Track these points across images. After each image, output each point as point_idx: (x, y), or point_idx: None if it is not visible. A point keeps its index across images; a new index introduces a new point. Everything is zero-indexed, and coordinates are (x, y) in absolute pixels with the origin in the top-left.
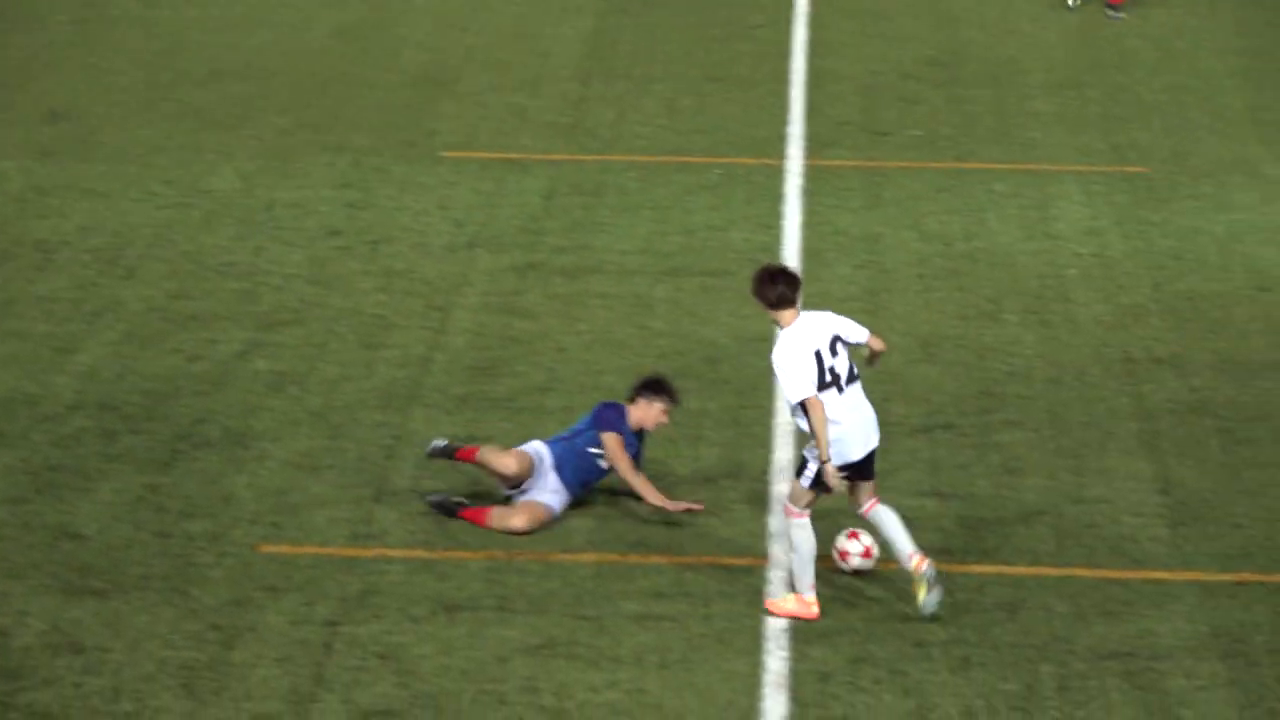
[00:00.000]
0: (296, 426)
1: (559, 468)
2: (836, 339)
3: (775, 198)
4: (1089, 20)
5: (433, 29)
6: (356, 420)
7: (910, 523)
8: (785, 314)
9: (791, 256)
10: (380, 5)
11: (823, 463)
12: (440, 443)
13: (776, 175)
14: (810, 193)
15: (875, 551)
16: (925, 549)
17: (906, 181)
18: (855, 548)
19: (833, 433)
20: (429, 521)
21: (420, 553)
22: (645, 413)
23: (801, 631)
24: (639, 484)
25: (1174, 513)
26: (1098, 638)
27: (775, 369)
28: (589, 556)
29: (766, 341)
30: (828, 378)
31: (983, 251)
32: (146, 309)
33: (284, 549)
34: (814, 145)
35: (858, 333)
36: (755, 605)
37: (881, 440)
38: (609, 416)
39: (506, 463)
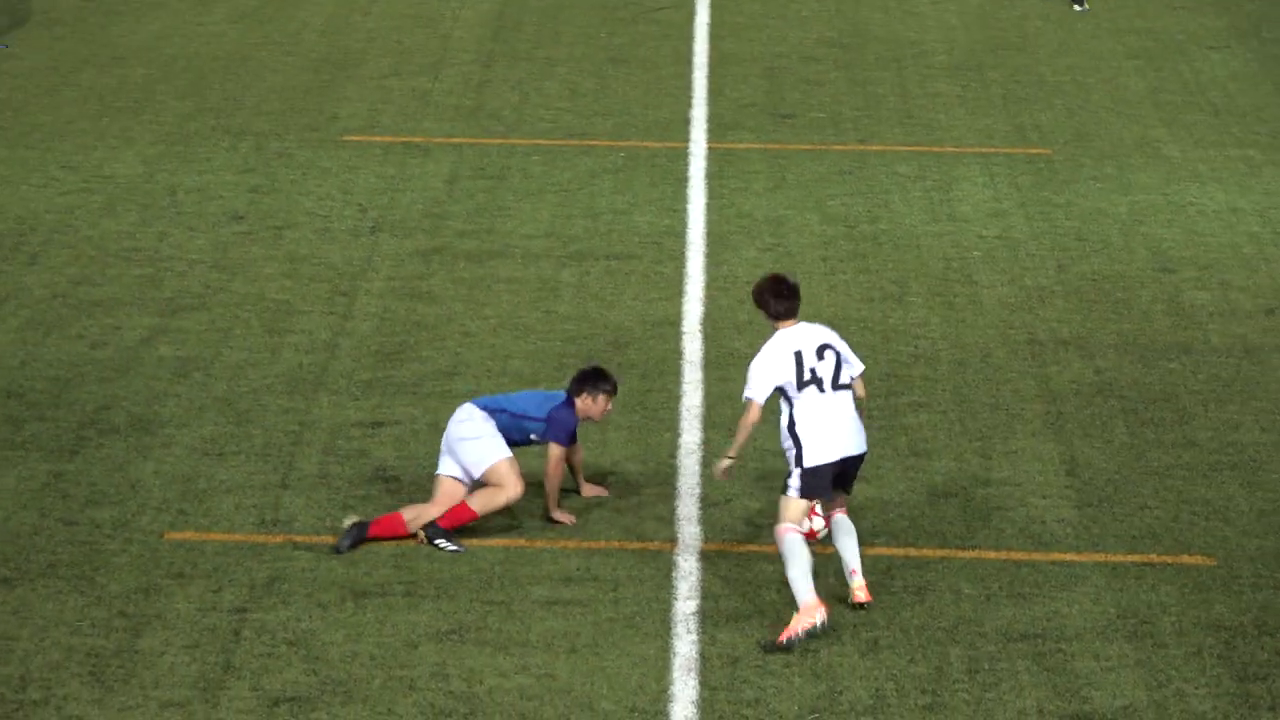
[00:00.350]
0: (202, 413)
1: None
2: (827, 347)
3: (679, 181)
4: (990, 2)
5: (333, 12)
6: (262, 406)
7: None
8: (783, 323)
9: (696, 240)
10: None
11: (729, 458)
12: (349, 524)
13: (680, 158)
14: (714, 176)
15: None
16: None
17: (810, 164)
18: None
19: (809, 432)
20: (337, 507)
21: (328, 539)
22: (590, 406)
23: (711, 615)
24: (552, 499)
25: (1080, 494)
26: (1006, 620)
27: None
28: (497, 542)
29: (673, 325)
30: (807, 376)
31: (887, 234)
32: (50, 295)
33: (191, 536)
34: (717, 128)
35: (853, 364)
36: (664, 589)
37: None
38: (562, 427)
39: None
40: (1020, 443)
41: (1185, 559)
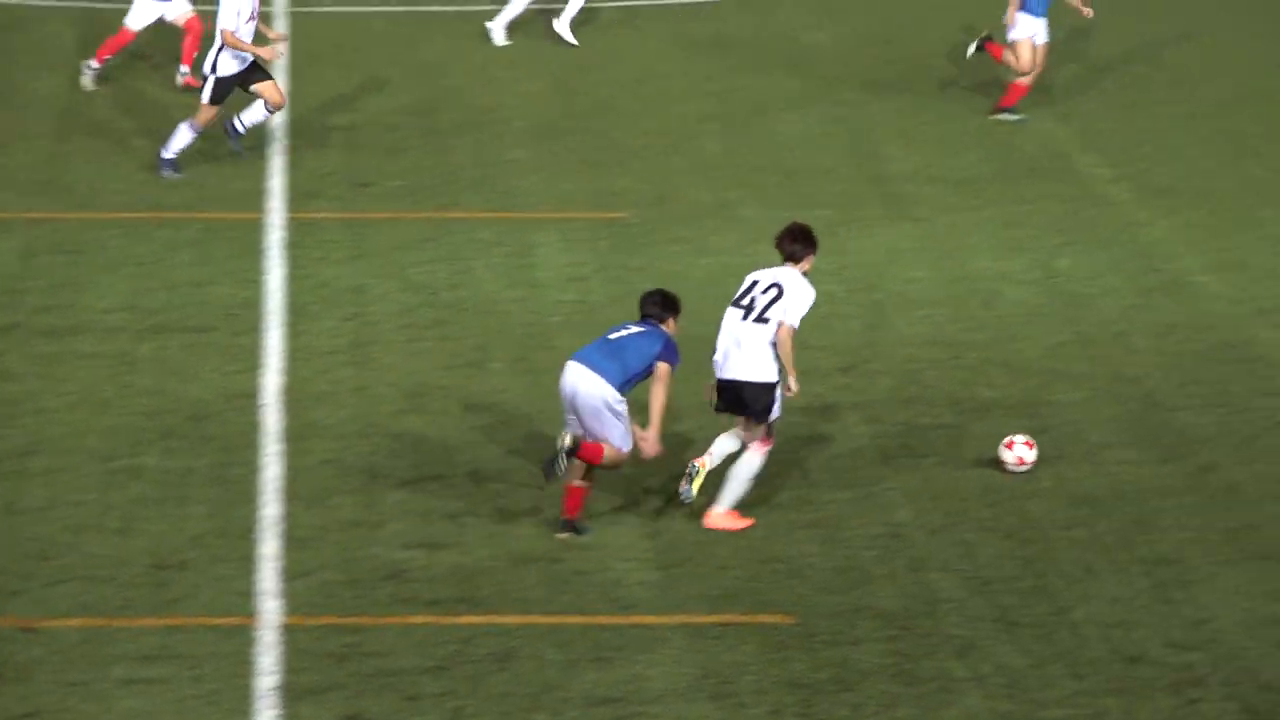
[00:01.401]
0: None
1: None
2: (776, 286)
3: (257, 252)
4: (568, 68)
5: None
6: None
7: (401, 575)
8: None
9: (275, 311)
10: None
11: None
12: (563, 448)
13: (257, 229)
14: (293, 246)
15: (1028, 459)
16: (413, 600)
17: (390, 232)
18: (1008, 456)
19: (718, 346)
20: None
21: None
22: (675, 328)
23: (291, 689)
24: (659, 419)
25: (662, 556)
26: (589, 684)
27: None
28: (74, 621)
29: (252, 398)
30: (745, 301)
31: (468, 300)
32: None
33: None
34: (296, 198)
35: (789, 314)
36: (245, 664)
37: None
38: (676, 350)
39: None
40: (601, 506)
41: (764, 618)
